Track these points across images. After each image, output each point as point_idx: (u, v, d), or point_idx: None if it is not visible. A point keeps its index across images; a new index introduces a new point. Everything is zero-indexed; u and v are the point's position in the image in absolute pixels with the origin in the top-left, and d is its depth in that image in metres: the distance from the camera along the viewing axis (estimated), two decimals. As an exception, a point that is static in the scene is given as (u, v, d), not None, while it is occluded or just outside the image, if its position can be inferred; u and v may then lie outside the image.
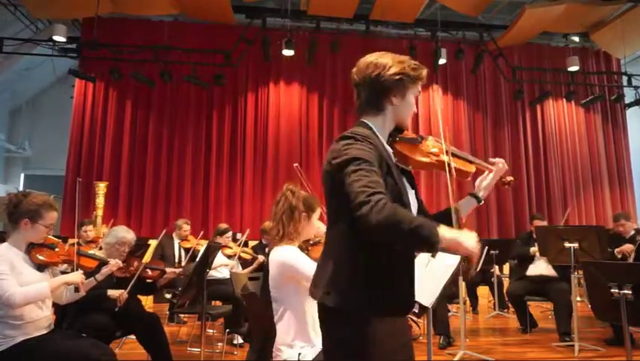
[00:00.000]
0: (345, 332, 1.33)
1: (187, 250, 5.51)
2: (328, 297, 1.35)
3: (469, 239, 1.22)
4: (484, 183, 1.61)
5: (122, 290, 3.03)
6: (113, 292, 3.03)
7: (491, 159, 1.63)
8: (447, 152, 1.44)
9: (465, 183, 1.70)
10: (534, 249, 5.03)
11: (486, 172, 1.62)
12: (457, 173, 1.46)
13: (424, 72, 1.46)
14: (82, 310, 2.98)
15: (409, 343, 1.50)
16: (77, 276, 2.51)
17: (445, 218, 1.45)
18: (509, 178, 1.68)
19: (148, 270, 3.27)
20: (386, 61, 1.42)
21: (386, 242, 1.27)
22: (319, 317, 1.42)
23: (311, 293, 1.45)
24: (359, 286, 1.32)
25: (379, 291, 1.32)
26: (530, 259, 5.10)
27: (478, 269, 1.28)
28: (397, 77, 1.40)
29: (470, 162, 1.57)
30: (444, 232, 1.20)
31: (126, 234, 3.24)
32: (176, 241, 5.68)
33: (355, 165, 1.24)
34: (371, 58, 1.45)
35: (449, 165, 1.40)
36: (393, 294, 1.34)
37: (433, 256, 3.00)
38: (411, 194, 1.44)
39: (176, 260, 5.53)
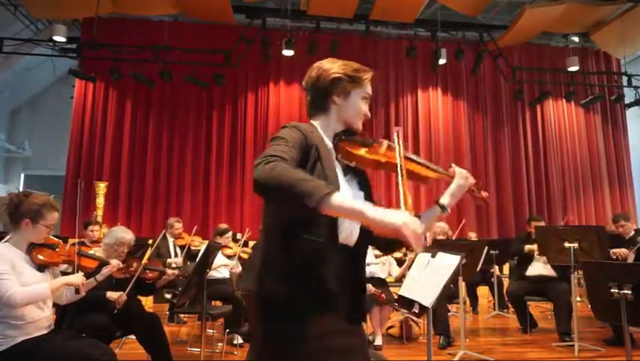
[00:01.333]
0: (262, 318, 1.32)
1: (182, 248, 5.52)
2: (242, 280, 1.39)
3: (385, 214, 1.09)
4: (450, 190, 1.56)
5: (121, 293, 3.03)
6: (111, 295, 3.03)
7: (453, 166, 1.58)
8: (401, 156, 1.39)
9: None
10: (529, 246, 5.04)
11: (454, 181, 1.57)
12: (410, 176, 1.43)
13: (367, 74, 1.47)
14: (82, 311, 2.98)
15: (351, 350, 1.34)
16: (78, 278, 2.51)
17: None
18: (484, 194, 1.63)
19: (147, 271, 3.26)
20: (329, 65, 1.47)
21: (274, 199, 1.25)
22: (253, 309, 1.38)
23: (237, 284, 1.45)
24: (274, 271, 1.31)
25: (294, 279, 1.28)
26: (529, 259, 5.10)
27: (421, 250, 1.18)
28: (335, 76, 1.43)
29: (431, 169, 1.53)
30: (345, 199, 1.10)
31: (125, 234, 3.24)
32: (170, 240, 5.69)
33: (274, 142, 1.28)
34: (316, 64, 1.50)
35: (400, 165, 1.35)
36: (308, 284, 1.28)
37: (433, 256, 3.01)
38: (355, 193, 1.43)
39: (172, 258, 5.53)
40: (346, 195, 1.25)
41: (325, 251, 1.29)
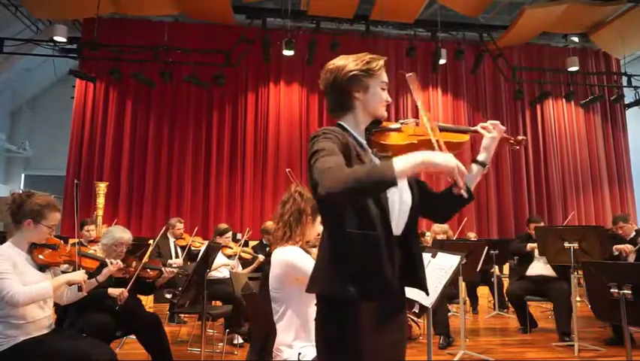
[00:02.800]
0: (327, 317, 1.39)
1: (183, 248, 5.53)
2: (311, 284, 1.45)
3: (437, 155, 1.22)
4: (483, 144, 1.59)
5: (123, 288, 3.04)
6: (113, 291, 3.04)
7: (482, 124, 1.60)
8: (431, 126, 1.42)
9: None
10: (532, 245, 5.04)
11: (486, 135, 1.59)
12: (447, 146, 1.45)
13: (380, 62, 1.51)
14: (82, 310, 2.98)
15: (399, 343, 1.49)
16: (80, 275, 2.51)
17: (446, 196, 1.49)
18: (520, 137, 1.62)
19: (147, 270, 3.27)
20: (341, 63, 1.50)
21: (352, 201, 1.32)
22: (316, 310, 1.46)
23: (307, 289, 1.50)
24: (337, 272, 1.37)
25: (359, 275, 1.35)
26: (530, 259, 5.10)
27: (466, 189, 1.17)
28: (351, 73, 1.47)
29: (462, 132, 1.56)
30: (400, 160, 1.20)
31: (123, 234, 3.24)
32: (171, 240, 5.70)
33: (315, 157, 1.31)
34: (329, 65, 1.53)
35: (438, 141, 1.39)
36: (372, 278, 1.35)
37: (433, 256, 3.01)
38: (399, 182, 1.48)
39: (174, 259, 5.54)
40: (403, 200, 1.42)
41: (381, 243, 1.36)
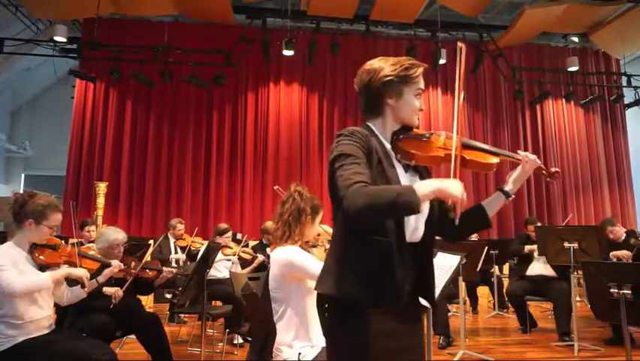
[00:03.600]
0: (335, 320, 1.39)
1: (183, 249, 5.54)
2: (320, 284, 1.43)
3: (451, 185, 1.25)
4: (512, 177, 1.56)
5: (118, 288, 3.04)
6: (108, 289, 3.04)
7: (519, 152, 1.56)
8: (457, 146, 1.40)
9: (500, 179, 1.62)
10: (530, 247, 5.04)
11: (518, 167, 1.56)
12: (474, 165, 1.44)
13: (417, 70, 1.47)
14: (82, 310, 2.98)
15: (412, 347, 1.44)
16: (82, 271, 2.52)
17: (472, 216, 1.50)
18: (554, 169, 1.56)
19: (147, 270, 3.27)
20: (379, 65, 1.47)
21: (374, 222, 1.34)
22: (317, 307, 1.45)
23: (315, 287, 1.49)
24: (350, 275, 1.36)
25: (369, 281, 1.35)
26: (529, 259, 5.11)
27: (457, 217, 1.17)
28: (387, 79, 1.44)
29: (493, 153, 1.51)
30: (421, 187, 1.23)
31: (117, 235, 3.23)
32: (172, 241, 5.71)
33: (340, 160, 1.31)
34: (367, 65, 1.51)
35: (457, 156, 1.38)
36: (382, 284, 1.35)
37: (434, 256, 3.01)
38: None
39: (175, 255, 5.57)
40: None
41: (394, 250, 1.35)
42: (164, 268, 3.36)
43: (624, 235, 4.82)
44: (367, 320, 1.33)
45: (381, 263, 1.35)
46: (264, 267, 4.84)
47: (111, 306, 2.99)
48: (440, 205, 1.53)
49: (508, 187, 1.55)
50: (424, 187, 1.23)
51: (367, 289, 1.33)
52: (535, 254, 5.04)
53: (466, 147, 1.47)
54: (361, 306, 1.34)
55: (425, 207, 1.46)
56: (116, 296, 3.01)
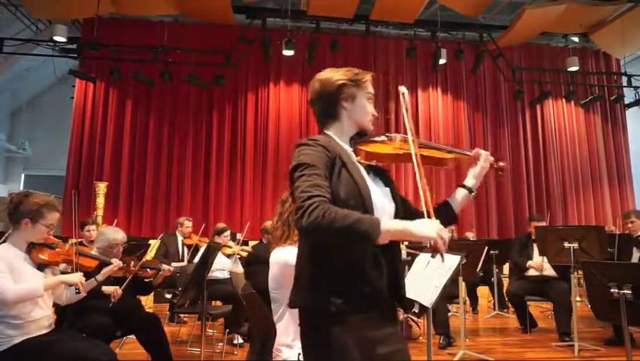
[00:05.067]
0: (310, 331, 1.37)
1: (189, 247, 5.57)
2: (294, 297, 1.42)
3: (421, 227, 1.21)
4: (473, 172, 1.61)
5: (117, 287, 3.04)
6: (107, 288, 3.03)
7: (475, 150, 1.63)
8: (414, 142, 1.43)
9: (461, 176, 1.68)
10: (530, 263, 5.01)
11: (477, 162, 1.62)
12: (430, 161, 1.50)
13: (367, 76, 1.54)
14: (81, 310, 2.98)
15: (395, 353, 1.39)
16: (76, 277, 2.49)
17: (440, 213, 1.47)
18: (502, 163, 1.67)
19: (146, 269, 3.27)
20: (330, 74, 1.53)
21: (325, 241, 1.32)
22: (300, 323, 1.43)
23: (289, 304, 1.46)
24: (324, 284, 1.34)
25: (344, 288, 1.32)
26: (530, 259, 5.10)
27: (444, 256, 1.17)
28: (340, 82, 1.49)
29: (447, 151, 1.59)
30: (390, 224, 1.22)
31: (116, 235, 3.23)
32: (179, 238, 5.75)
33: (300, 170, 1.32)
34: (316, 76, 1.55)
35: (416, 154, 1.40)
36: (358, 289, 1.32)
37: (433, 256, 3.01)
38: (382, 190, 1.48)
39: (180, 257, 5.59)
40: (385, 209, 1.42)
41: (362, 254, 1.33)
42: (163, 266, 3.35)
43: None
44: (347, 328, 1.30)
45: (354, 268, 1.32)
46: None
47: (110, 305, 2.98)
48: (404, 202, 1.55)
49: (469, 182, 1.61)
50: (391, 224, 1.23)
51: (344, 297, 1.30)
52: (536, 254, 5.04)
53: (422, 146, 1.54)
54: (339, 315, 1.30)
55: (391, 209, 1.46)
56: (115, 295, 3.00)
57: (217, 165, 9.48)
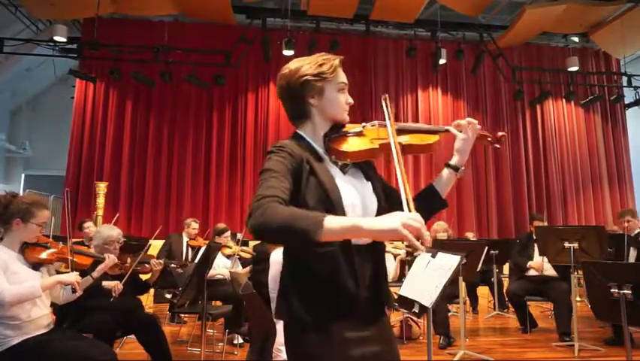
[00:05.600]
0: (291, 341, 1.33)
1: (194, 248, 5.59)
2: (277, 312, 1.36)
3: (378, 221, 1.07)
4: (456, 147, 1.46)
5: (117, 281, 3.04)
6: (107, 283, 3.03)
7: (457, 121, 1.47)
8: (393, 131, 1.32)
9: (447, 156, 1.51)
10: (531, 263, 5.02)
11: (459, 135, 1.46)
12: (413, 149, 1.37)
13: (333, 63, 1.40)
14: (82, 309, 2.98)
15: (382, 354, 1.35)
16: (72, 276, 2.49)
17: (424, 200, 1.41)
18: (500, 134, 1.49)
19: (144, 264, 3.28)
20: (295, 66, 1.41)
21: (277, 243, 1.31)
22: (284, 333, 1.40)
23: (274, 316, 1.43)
24: (300, 294, 1.30)
25: (319, 295, 1.28)
26: (530, 259, 5.10)
27: (424, 248, 1.09)
28: (302, 79, 1.38)
29: (432, 132, 1.43)
30: (337, 221, 1.07)
31: (111, 232, 3.24)
32: (185, 239, 5.77)
33: (261, 177, 1.25)
34: (283, 69, 1.44)
35: (398, 144, 1.29)
36: (334, 295, 1.28)
37: (433, 256, 3.01)
38: (361, 188, 1.39)
39: (184, 258, 5.61)
40: (368, 207, 1.33)
41: (339, 256, 1.28)
42: (152, 261, 3.35)
43: (638, 229, 4.77)
44: (326, 336, 1.26)
45: (328, 273, 1.27)
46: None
47: (111, 300, 2.98)
48: (388, 194, 1.45)
49: (453, 160, 1.46)
50: (338, 221, 1.08)
51: (320, 305, 1.27)
52: (536, 254, 5.04)
53: (401, 131, 1.40)
54: (317, 324, 1.27)
55: (372, 205, 1.38)
56: (116, 290, 3.00)
57: (217, 165, 9.48)
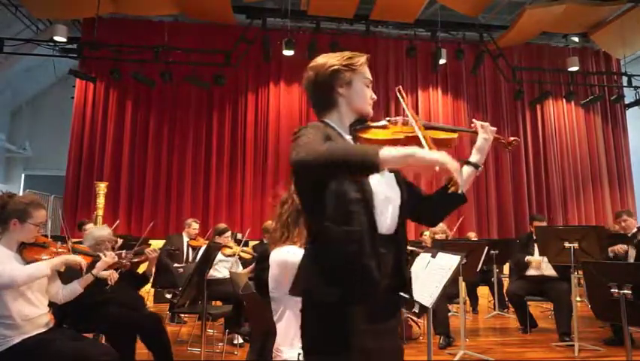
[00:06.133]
0: (311, 320, 1.35)
1: (194, 248, 5.60)
2: (294, 287, 1.40)
3: (428, 153, 1.17)
4: (476, 146, 1.57)
5: (112, 270, 3.04)
6: (103, 273, 3.03)
7: (475, 122, 1.59)
8: (418, 125, 1.41)
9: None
10: (530, 258, 5.02)
11: (479, 136, 1.58)
12: (435, 143, 1.42)
13: (361, 59, 1.49)
14: (84, 308, 2.97)
15: (391, 351, 1.40)
16: (79, 258, 2.55)
17: (445, 195, 1.44)
18: (511, 138, 1.62)
19: (140, 254, 3.29)
20: (323, 60, 1.48)
21: (327, 173, 1.27)
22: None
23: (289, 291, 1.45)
24: (322, 273, 1.32)
25: (342, 276, 1.30)
26: (526, 266, 5.10)
27: (463, 187, 1.15)
28: (333, 68, 1.45)
29: (451, 130, 1.54)
30: (388, 149, 1.14)
31: (101, 232, 3.25)
32: (186, 239, 5.79)
33: (296, 142, 1.29)
34: (311, 64, 1.51)
35: (425, 137, 1.36)
36: (355, 279, 1.29)
37: (433, 256, 3.01)
38: (385, 177, 1.42)
39: (185, 258, 5.63)
40: (389, 197, 1.38)
41: (366, 241, 1.30)
42: (147, 250, 3.35)
43: (635, 229, 4.79)
44: (345, 318, 1.28)
45: (353, 256, 1.29)
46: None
47: (107, 287, 2.98)
48: (410, 189, 1.50)
49: (473, 158, 1.56)
50: (392, 149, 1.14)
51: (340, 286, 1.28)
52: (536, 254, 5.04)
53: (426, 127, 1.48)
54: (337, 305, 1.29)
55: (396, 196, 1.42)
56: (112, 278, 3.00)
57: (217, 165, 9.48)
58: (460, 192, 1.26)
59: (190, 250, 5.73)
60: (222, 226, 5.41)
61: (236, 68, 9.05)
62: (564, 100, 10.52)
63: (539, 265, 4.94)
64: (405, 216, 1.45)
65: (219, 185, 9.41)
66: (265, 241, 5.48)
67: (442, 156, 1.15)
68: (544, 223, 5.64)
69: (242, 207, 9.39)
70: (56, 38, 8.23)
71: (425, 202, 1.54)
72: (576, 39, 10.55)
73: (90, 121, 9.26)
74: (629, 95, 10.49)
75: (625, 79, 10.29)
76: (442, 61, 9.40)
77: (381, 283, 1.30)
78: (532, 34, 9.73)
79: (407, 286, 1.43)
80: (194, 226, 5.85)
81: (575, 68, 9.92)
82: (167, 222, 8.93)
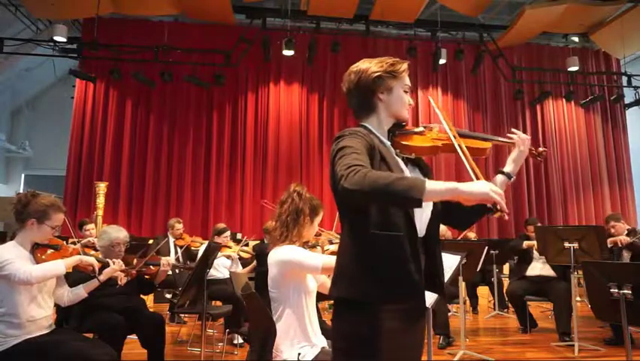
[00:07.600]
0: (351, 321, 1.38)
1: (181, 248, 5.61)
2: (335, 288, 1.42)
3: (473, 185, 1.21)
4: (511, 157, 1.64)
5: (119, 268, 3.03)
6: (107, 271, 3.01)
7: (511, 132, 1.65)
8: (453, 134, 1.46)
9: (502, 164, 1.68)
10: (528, 242, 5.04)
11: (516, 148, 1.64)
12: (470, 152, 1.47)
13: (403, 66, 1.56)
14: (88, 308, 2.96)
15: (418, 345, 1.49)
16: (92, 258, 2.60)
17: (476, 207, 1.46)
18: (541, 149, 1.67)
19: (150, 266, 3.28)
20: (366, 65, 1.53)
21: (370, 201, 1.31)
22: (333, 312, 1.45)
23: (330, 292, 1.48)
24: (362, 274, 1.36)
25: (384, 278, 1.35)
26: (529, 259, 5.10)
27: (504, 214, 1.18)
28: (376, 74, 1.50)
29: (484, 139, 1.62)
30: (437, 184, 1.19)
31: (118, 233, 3.23)
32: (171, 240, 5.78)
33: (340, 153, 1.32)
34: (353, 67, 1.56)
35: (460, 145, 1.42)
36: (398, 280, 1.35)
37: (493, 213, 2.98)
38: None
39: (174, 258, 5.62)
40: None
41: (406, 243, 1.36)
42: (162, 259, 3.34)
43: (625, 232, 4.80)
44: (382, 318, 1.33)
45: (394, 258, 1.35)
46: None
47: (117, 286, 2.99)
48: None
49: (508, 168, 1.62)
50: (437, 183, 1.19)
51: (383, 287, 1.33)
52: (536, 254, 5.04)
53: (461, 135, 1.54)
54: (377, 304, 1.33)
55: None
56: (122, 278, 2.99)
57: (217, 165, 9.47)
58: (505, 216, 1.28)
59: (177, 249, 5.75)
60: (221, 225, 5.41)
61: (236, 68, 9.05)
62: (564, 100, 10.52)
63: (534, 245, 4.96)
64: (438, 220, 1.52)
65: (219, 185, 9.41)
66: (266, 242, 5.49)
67: (486, 191, 1.19)
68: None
69: (242, 207, 9.39)
70: (56, 38, 8.23)
71: (456, 206, 1.55)
72: (576, 39, 10.56)
73: (90, 121, 9.25)
74: (629, 95, 10.48)
75: (625, 79, 10.29)
76: (442, 61, 9.40)
77: (420, 285, 1.37)
78: (532, 34, 9.73)
79: (440, 287, 1.49)
80: (177, 226, 5.91)
81: (574, 68, 9.92)
82: (167, 222, 8.92)
